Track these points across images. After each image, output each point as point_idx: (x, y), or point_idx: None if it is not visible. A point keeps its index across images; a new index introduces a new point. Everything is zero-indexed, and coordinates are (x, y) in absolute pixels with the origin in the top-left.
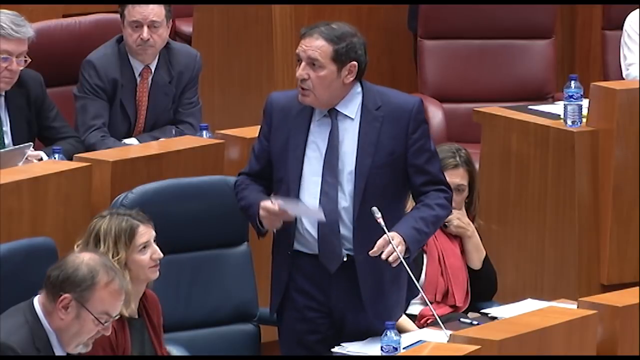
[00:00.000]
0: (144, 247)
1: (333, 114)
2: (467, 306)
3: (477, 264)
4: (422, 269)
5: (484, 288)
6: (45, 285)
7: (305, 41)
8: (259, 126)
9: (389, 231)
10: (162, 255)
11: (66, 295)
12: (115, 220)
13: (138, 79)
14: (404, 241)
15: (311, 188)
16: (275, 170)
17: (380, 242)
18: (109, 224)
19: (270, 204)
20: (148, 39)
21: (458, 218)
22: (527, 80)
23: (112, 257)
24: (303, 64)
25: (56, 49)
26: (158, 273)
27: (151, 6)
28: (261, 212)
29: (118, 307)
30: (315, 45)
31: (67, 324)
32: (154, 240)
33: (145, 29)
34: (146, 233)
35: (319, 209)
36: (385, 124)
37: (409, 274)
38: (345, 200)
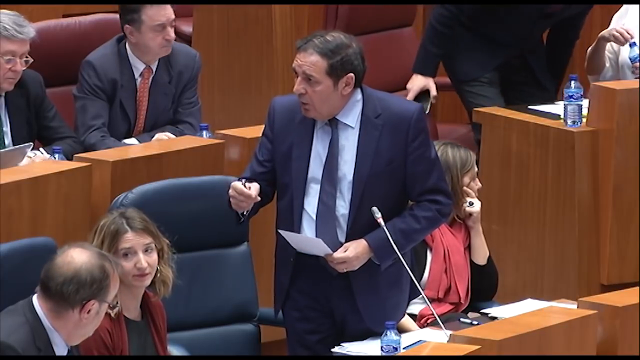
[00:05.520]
0: (126, 254)
1: (333, 123)
2: (467, 304)
3: (482, 260)
4: (425, 267)
5: (486, 285)
6: (51, 295)
7: (300, 56)
8: (259, 126)
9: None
10: (145, 265)
11: (91, 301)
12: (111, 221)
13: (139, 79)
14: (372, 251)
15: (312, 196)
16: (278, 176)
17: (340, 249)
18: (104, 222)
19: (239, 185)
20: (173, 38)
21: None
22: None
23: None
24: (299, 78)
25: (56, 49)
26: (146, 282)
27: (167, 6)
28: (230, 192)
29: None
30: (310, 61)
31: (88, 322)
32: (148, 250)
33: (169, 28)
34: (132, 240)
35: (320, 241)
36: (385, 132)
37: (409, 275)
38: (344, 208)
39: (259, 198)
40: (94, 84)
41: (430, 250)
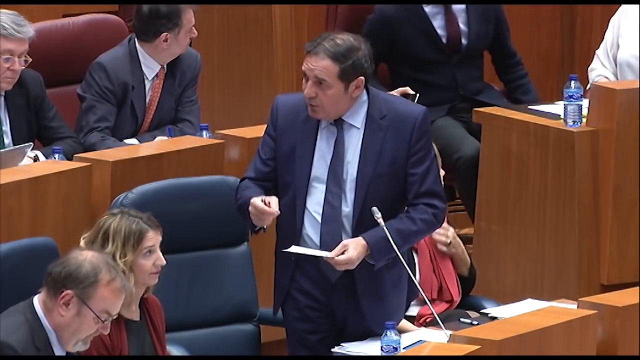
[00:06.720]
0: (149, 252)
1: (339, 124)
2: (460, 299)
3: (466, 273)
4: (415, 269)
5: (469, 286)
6: (46, 282)
7: (311, 59)
8: (259, 126)
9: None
10: (164, 262)
11: (68, 291)
12: (126, 221)
13: (153, 80)
14: (369, 249)
15: (315, 195)
16: (280, 174)
17: (337, 248)
18: (120, 224)
19: (259, 203)
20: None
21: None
22: None
23: (120, 259)
24: (310, 82)
25: (52, 49)
26: (157, 280)
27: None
28: (250, 209)
29: (118, 306)
30: (322, 65)
31: (67, 321)
32: (159, 248)
33: (193, 27)
34: (153, 238)
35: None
36: (389, 132)
37: (409, 275)
38: (347, 208)
39: (278, 212)
40: (105, 86)
41: (417, 252)
